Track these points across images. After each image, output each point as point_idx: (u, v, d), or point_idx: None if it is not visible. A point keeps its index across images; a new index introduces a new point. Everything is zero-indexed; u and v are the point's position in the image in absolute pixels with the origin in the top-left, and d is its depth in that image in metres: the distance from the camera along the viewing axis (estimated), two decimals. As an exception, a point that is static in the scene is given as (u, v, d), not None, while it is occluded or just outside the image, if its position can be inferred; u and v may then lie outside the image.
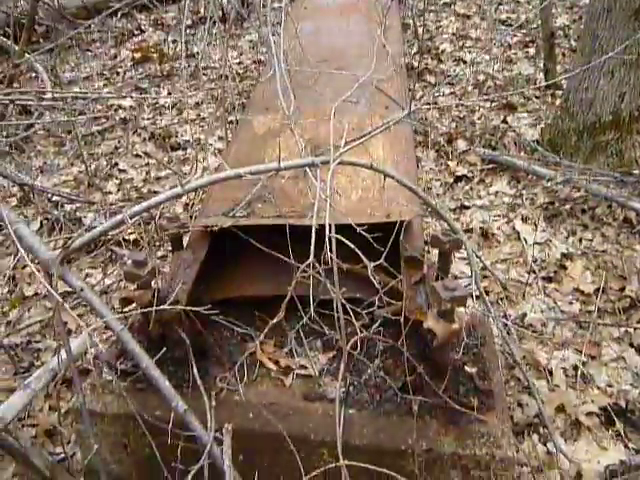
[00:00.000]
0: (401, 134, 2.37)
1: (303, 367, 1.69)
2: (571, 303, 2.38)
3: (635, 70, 3.04)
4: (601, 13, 3.01)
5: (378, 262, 1.29)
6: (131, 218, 1.29)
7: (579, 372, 2.06)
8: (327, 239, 1.18)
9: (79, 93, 3.65)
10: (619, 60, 3.02)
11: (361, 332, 1.39)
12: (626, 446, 1.82)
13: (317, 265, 1.22)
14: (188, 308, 1.37)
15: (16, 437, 1.70)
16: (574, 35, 5.03)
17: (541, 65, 4.33)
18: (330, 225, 1.23)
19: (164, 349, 1.46)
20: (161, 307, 1.26)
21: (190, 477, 1.27)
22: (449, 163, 3.31)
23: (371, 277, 1.23)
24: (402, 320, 1.38)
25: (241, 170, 1.40)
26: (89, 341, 1.22)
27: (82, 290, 1.28)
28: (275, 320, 1.33)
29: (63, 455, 1.80)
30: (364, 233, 1.29)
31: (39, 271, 1.22)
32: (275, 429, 1.48)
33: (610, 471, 1.67)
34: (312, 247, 1.22)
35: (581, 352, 2.13)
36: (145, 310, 1.39)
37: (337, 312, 1.24)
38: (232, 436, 1.45)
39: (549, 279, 2.51)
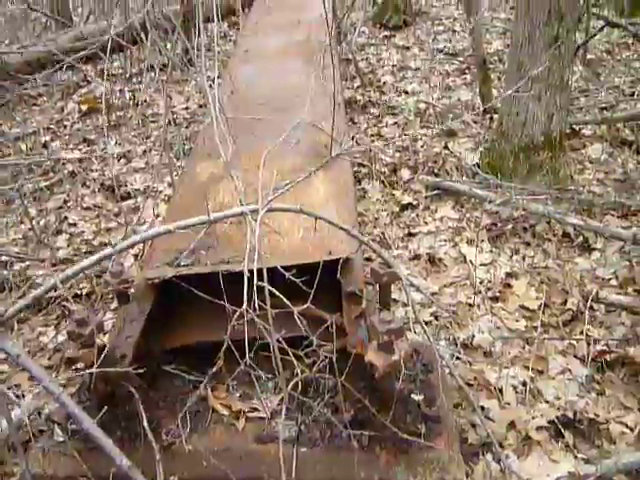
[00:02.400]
0: (340, 169, 2.44)
1: (255, 410, 1.71)
2: (517, 320, 2.46)
3: (560, 93, 3.21)
4: (523, 42, 3.19)
5: (304, 306, 1.33)
6: (62, 282, 1.31)
7: (528, 388, 2.13)
8: (255, 287, 1.22)
9: (16, 159, 3.64)
10: (545, 84, 3.19)
11: (303, 372, 1.43)
12: (575, 457, 1.88)
13: (250, 311, 1.26)
14: (123, 369, 1.37)
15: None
16: (506, 60, 5.27)
17: (477, 90, 4.52)
18: (260, 272, 1.28)
19: (106, 408, 1.46)
20: (104, 369, 1.27)
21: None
22: (395, 192, 3.41)
23: (297, 320, 1.28)
24: (338, 356, 1.42)
25: (171, 226, 1.44)
26: (32, 406, 1.22)
27: (19, 356, 1.28)
28: (215, 368, 1.36)
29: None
30: (292, 277, 1.34)
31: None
32: (228, 476, 1.50)
33: (560, 483, 1.72)
34: (245, 294, 1.26)
35: (529, 368, 2.20)
36: (88, 369, 1.39)
37: (274, 355, 1.27)
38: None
39: (495, 299, 2.59)
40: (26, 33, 7.11)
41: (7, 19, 7.60)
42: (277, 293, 1.26)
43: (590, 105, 4.47)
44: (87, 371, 1.34)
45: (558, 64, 3.12)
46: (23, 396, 2.21)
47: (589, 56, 5.41)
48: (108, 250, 1.39)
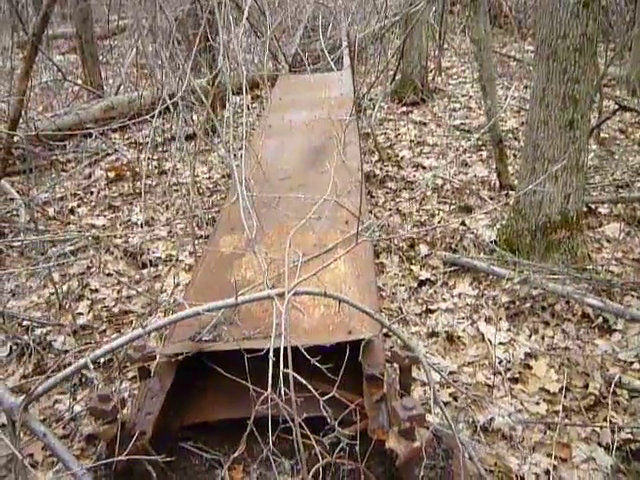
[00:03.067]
0: (361, 247, 2.49)
1: (272, 493, 1.68)
2: (538, 403, 2.42)
3: (576, 174, 3.27)
4: (539, 125, 3.28)
5: (330, 395, 1.34)
6: (93, 362, 1.34)
7: (551, 477, 2.07)
8: (282, 373, 1.24)
9: (54, 236, 3.76)
10: (561, 166, 3.26)
11: (323, 456, 1.42)
12: None
13: (274, 394, 1.27)
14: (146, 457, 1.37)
15: None
16: (522, 138, 5.40)
17: (494, 167, 4.62)
18: (286, 355, 1.29)
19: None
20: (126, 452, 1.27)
21: None
22: (412, 268, 3.44)
23: (322, 409, 1.28)
24: (359, 441, 1.41)
25: (199, 308, 1.47)
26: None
27: (45, 435, 1.29)
28: (237, 453, 1.36)
29: None
30: (315, 362, 1.35)
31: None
32: None
33: None
34: (269, 378, 1.28)
35: (551, 455, 2.14)
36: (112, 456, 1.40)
37: (296, 438, 1.27)
38: None
39: (515, 380, 2.56)
40: (59, 102, 7.43)
41: (42, 88, 7.98)
42: (303, 381, 1.27)
43: (606, 184, 4.53)
44: (113, 459, 1.34)
45: (574, 147, 3.20)
46: (34, 466, 2.20)
47: (603, 135, 5.54)
48: (138, 331, 1.42)
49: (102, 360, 2.76)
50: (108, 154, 5.76)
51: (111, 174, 5.25)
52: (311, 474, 1.35)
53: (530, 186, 3.31)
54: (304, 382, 1.28)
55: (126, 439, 1.55)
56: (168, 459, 1.54)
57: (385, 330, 2.30)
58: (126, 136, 6.17)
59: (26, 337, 2.94)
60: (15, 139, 4.82)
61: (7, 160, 4.45)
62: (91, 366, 1.32)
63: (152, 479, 1.58)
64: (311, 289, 1.55)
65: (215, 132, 4.35)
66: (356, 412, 1.56)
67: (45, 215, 4.46)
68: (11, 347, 2.95)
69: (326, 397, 1.31)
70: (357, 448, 1.49)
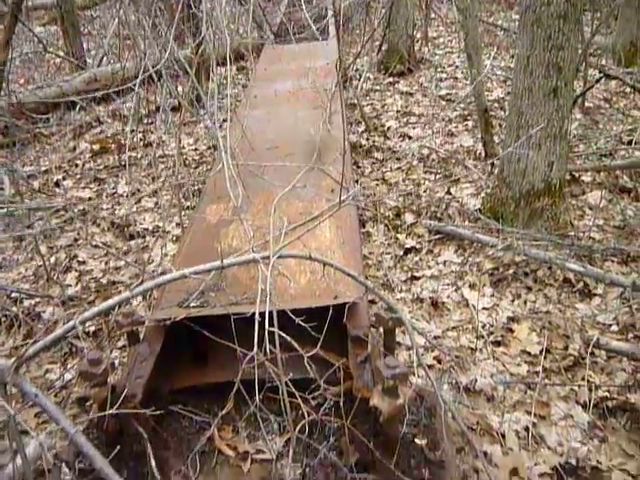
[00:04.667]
0: (346, 214, 2.51)
1: (260, 451, 1.73)
2: (519, 365, 2.48)
3: (559, 142, 3.31)
4: (523, 92, 3.30)
5: (314, 351, 1.37)
6: (81, 324, 1.36)
7: (530, 433, 2.14)
8: (267, 332, 1.27)
9: (33, 205, 3.74)
10: (544, 133, 3.29)
11: (309, 414, 1.46)
12: (578, 504, 1.89)
13: (260, 355, 1.30)
14: (137, 412, 1.41)
15: None
16: (507, 108, 5.41)
17: (479, 136, 4.64)
18: (271, 316, 1.33)
19: (118, 447, 1.49)
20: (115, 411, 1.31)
21: None
22: (398, 236, 3.47)
23: (307, 366, 1.32)
24: (344, 399, 1.46)
25: (186, 271, 1.50)
26: (46, 443, 1.25)
27: (36, 396, 1.33)
28: (224, 411, 1.40)
29: None
30: (302, 323, 1.39)
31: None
32: (234, 517, 1.52)
33: (563, 531, 1.73)
34: (255, 338, 1.31)
35: (531, 413, 2.22)
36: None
37: (282, 398, 1.31)
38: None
39: (497, 343, 2.62)
40: (40, 74, 7.32)
41: (23, 60, 7.84)
42: (288, 338, 1.30)
43: (589, 152, 4.57)
44: (101, 413, 1.37)
45: (557, 115, 3.22)
46: (27, 433, 2.23)
47: (587, 104, 5.56)
48: (125, 294, 1.45)
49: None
50: (92, 126, 5.71)
51: (96, 147, 5.21)
52: (297, 430, 1.39)
53: (513, 153, 3.35)
54: (289, 339, 1.31)
55: (117, 402, 1.59)
56: (158, 413, 1.57)
57: (370, 297, 2.36)
58: (110, 108, 6.10)
59: (15, 309, 2.96)
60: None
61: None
62: (80, 327, 1.34)
63: (143, 440, 1.62)
64: (296, 252, 1.58)
65: (200, 102, 4.32)
66: (341, 371, 1.61)
67: (30, 188, 4.43)
68: (0, 319, 2.96)
69: (310, 353, 1.34)
70: (342, 406, 1.53)
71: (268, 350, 1.27)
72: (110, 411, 1.31)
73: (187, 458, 1.65)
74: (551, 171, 3.35)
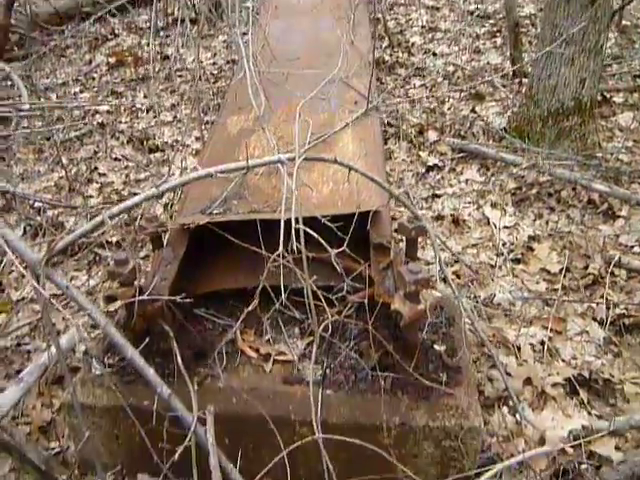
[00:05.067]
0: (369, 128, 2.46)
1: (282, 353, 1.78)
2: (538, 282, 2.49)
3: (594, 57, 3.16)
4: (559, 3, 3.13)
5: (340, 250, 1.38)
6: (110, 219, 1.37)
7: (545, 347, 2.18)
8: (294, 231, 1.27)
9: (56, 103, 3.70)
10: (578, 48, 3.14)
11: (332, 316, 1.49)
12: (589, 413, 1.94)
13: (287, 255, 1.31)
14: (166, 298, 1.44)
15: (11, 433, 1.78)
16: (540, 24, 5.15)
17: (508, 54, 4.45)
18: (297, 217, 1.32)
19: (147, 340, 1.53)
20: (144, 297, 1.34)
21: (178, 456, 1.36)
22: (421, 154, 3.41)
23: (334, 263, 1.33)
24: (369, 303, 1.48)
25: (212, 169, 1.49)
26: (77, 336, 1.30)
27: (67, 288, 1.36)
28: (249, 308, 1.43)
29: (58, 449, 1.88)
30: (328, 223, 1.38)
31: (26, 271, 1.30)
32: (258, 412, 1.58)
33: (573, 435, 1.79)
34: (281, 238, 1.32)
35: (547, 328, 2.24)
36: (130, 300, 1.46)
37: (307, 298, 1.33)
38: (217, 420, 1.55)
39: (517, 261, 2.62)
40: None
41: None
42: (315, 235, 1.30)
43: (623, 72, 4.38)
44: (127, 300, 1.40)
45: (594, 27, 3.06)
46: (59, 333, 2.31)
47: (624, 22, 5.28)
48: (152, 190, 1.45)
49: (114, 240, 2.84)
50: (108, 39, 5.57)
51: (112, 60, 5.10)
52: (321, 330, 1.42)
53: (544, 69, 3.22)
54: (316, 236, 1.31)
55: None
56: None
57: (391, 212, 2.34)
58: (125, 20, 5.92)
59: (39, 218, 3.00)
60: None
61: (6, 37, 4.30)
62: (108, 221, 1.35)
63: (169, 338, 1.67)
64: (322, 155, 1.56)
65: (219, 11, 4.16)
66: (366, 276, 1.62)
67: (48, 101, 4.38)
68: (25, 228, 3.02)
69: (337, 251, 1.34)
70: (365, 310, 1.55)
71: (295, 250, 1.28)
72: (139, 298, 1.33)
73: (211, 356, 1.70)
74: (583, 88, 3.22)
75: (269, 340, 1.83)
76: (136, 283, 1.62)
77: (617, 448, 1.78)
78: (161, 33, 5.36)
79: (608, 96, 4.00)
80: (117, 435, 1.75)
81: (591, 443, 1.77)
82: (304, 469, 1.68)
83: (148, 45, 4.94)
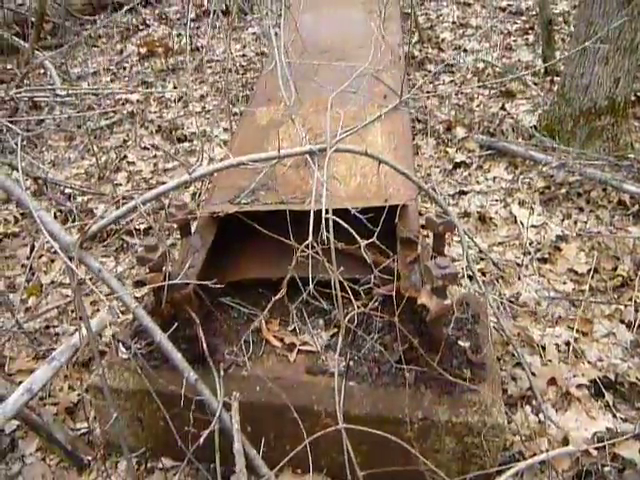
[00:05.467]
0: (399, 122, 2.46)
1: (306, 344, 1.80)
2: (565, 283, 2.46)
3: (629, 56, 3.10)
4: (595, 0, 3.07)
5: (370, 240, 1.38)
6: (143, 204, 1.39)
7: (571, 347, 2.15)
8: (324, 221, 1.28)
9: (90, 89, 3.75)
10: (613, 46, 3.08)
11: (357, 307, 1.49)
12: (614, 416, 1.91)
13: (315, 245, 1.32)
14: (195, 282, 1.46)
15: (39, 413, 1.82)
16: (573, 21, 5.07)
17: (540, 52, 4.39)
18: (327, 209, 1.33)
19: (175, 325, 1.55)
20: (175, 281, 1.36)
21: (202, 441, 1.38)
22: (448, 150, 3.39)
23: (364, 253, 1.33)
24: (395, 297, 1.48)
25: (243, 158, 1.50)
26: (108, 318, 1.32)
27: (100, 271, 1.38)
28: (278, 296, 1.44)
29: (84, 430, 1.92)
30: (358, 214, 1.38)
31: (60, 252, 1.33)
32: (281, 401, 1.60)
33: (597, 437, 1.77)
34: (310, 228, 1.32)
35: (573, 329, 2.22)
36: (158, 286, 1.48)
37: (335, 289, 1.34)
38: (240, 408, 1.57)
39: (544, 260, 2.59)
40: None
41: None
42: (345, 225, 1.31)
43: (658, 72, 4.29)
44: (156, 284, 1.43)
45: (630, 25, 3.00)
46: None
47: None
48: (184, 177, 1.47)
49: (142, 227, 2.88)
50: (139, 29, 5.62)
51: (143, 50, 5.15)
52: (346, 320, 1.42)
53: (577, 68, 3.17)
54: (346, 225, 1.31)
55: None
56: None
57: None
58: (156, 11, 5.98)
59: (69, 204, 3.05)
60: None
61: (41, 26, 4.37)
62: (141, 207, 1.38)
63: (195, 325, 1.69)
64: (352, 147, 1.56)
65: (249, 3, 4.17)
66: (395, 269, 1.62)
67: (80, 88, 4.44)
68: (55, 213, 3.07)
69: (366, 242, 1.35)
70: (392, 302, 1.55)
71: (324, 240, 1.28)
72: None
73: (237, 344, 1.71)
74: (616, 88, 3.17)
75: (294, 330, 1.85)
76: (165, 269, 1.65)
77: (642, 452, 1.76)
78: (192, 24, 5.40)
79: (642, 96, 3.93)
80: (141, 419, 1.78)
81: (615, 446, 1.75)
82: (325, 459, 1.69)
83: (179, 36, 4.98)
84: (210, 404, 1.43)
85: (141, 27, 5.68)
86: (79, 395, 2.06)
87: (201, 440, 1.36)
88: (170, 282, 1.40)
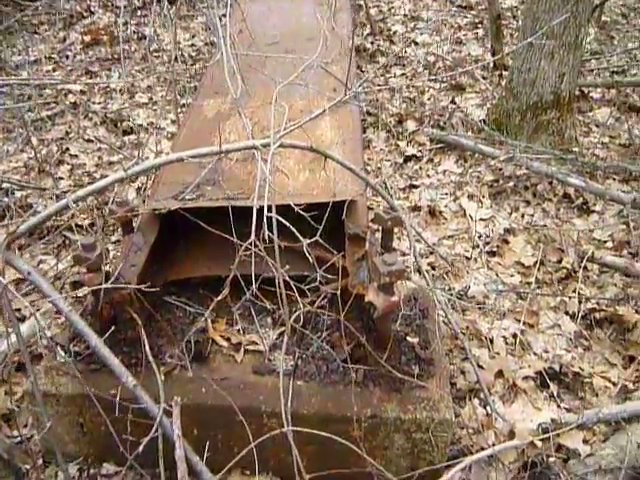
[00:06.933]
0: (348, 115, 2.43)
1: (253, 343, 1.76)
2: (512, 275, 2.50)
3: (573, 51, 3.16)
4: (541, -4, 3.12)
5: (314, 239, 1.35)
6: (75, 202, 1.32)
7: (517, 340, 2.18)
8: (266, 219, 1.24)
9: (25, 79, 3.58)
10: (559, 42, 3.14)
11: (304, 307, 1.46)
12: (559, 406, 1.95)
13: (258, 243, 1.28)
14: (133, 286, 1.40)
15: (-29, 422, 1.73)
16: (521, 16, 5.15)
17: (489, 46, 4.45)
18: (270, 205, 1.29)
19: (112, 329, 1.49)
20: (109, 286, 1.30)
21: (142, 449, 1.33)
22: (399, 143, 3.39)
23: (306, 253, 1.30)
24: (339, 295, 1.46)
25: (183, 154, 1.44)
26: (37, 324, 1.25)
27: (29, 273, 1.31)
28: (220, 297, 1.39)
29: (20, 438, 1.82)
30: (302, 212, 1.35)
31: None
32: (227, 402, 1.55)
33: (542, 428, 1.80)
34: (253, 226, 1.28)
35: (520, 321, 2.25)
36: (95, 287, 1.42)
37: (279, 288, 1.30)
38: (185, 411, 1.52)
39: (492, 253, 2.63)
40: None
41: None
42: (287, 223, 1.27)
43: (601, 68, 4.41)
44: (93, 288, 1.36)
45: (574, 21, 3.06)
46: (23, 320, 2.25)
47: (604, 18, 5.31)
48: (120, 174, 1.40)
49: (85, 223, 2.76)
50: (83, 17, 5.41)
51: (87, 38, 4.96)
52: (292, 321, 1.39)
53: (524, 63, 3.22)
54: (288, 224, 1.28)
55: (111, 289, 1.58)
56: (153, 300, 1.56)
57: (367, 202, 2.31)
58: (102, -3, 5.77)
59: (6, 199, 2.91)
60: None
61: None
62: (72, 205, 1.30)
63: (138, 326, 1.63)
64: (297, 142, 1.52)
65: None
66: (339, 267, 1.59)
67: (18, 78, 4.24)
68: (-9, 209, 2.92)
69: (309, 241, 1.32)
70: (338, 301, 1.52)
71: (266, 239, 1.24)
72: (105, 286, 1.29)
73: (181, 345, 1.66)
74: (562, 83, 3.23)
75: (241, 330, 1.80)
76: (103, 269, 1.58)
77: (585, 441, 1.80)
78: (138, 12, 5.23)
79: (586, 91, 4.03)
80: (82, 424, 1.71)
81: (560, 436, 1.78)
82: (274, 460, 1.66)
83: (125, 24, 4.81)
84: (151, 409, 1.37)
85: (85, 14, 5.46)
86: (17, 401, 1.96)
87: (140, 447, 1.30)
88: (106, 286, 1.32)
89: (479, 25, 5.15)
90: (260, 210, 1.36)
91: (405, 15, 5.41)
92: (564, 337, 2.23)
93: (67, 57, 4.74)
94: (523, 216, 2.88)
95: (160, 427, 1.33)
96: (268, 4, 3.73)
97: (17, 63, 4.57)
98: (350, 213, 1.77)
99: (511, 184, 3.06)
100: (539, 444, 1.72)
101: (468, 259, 2.56)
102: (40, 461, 1.76)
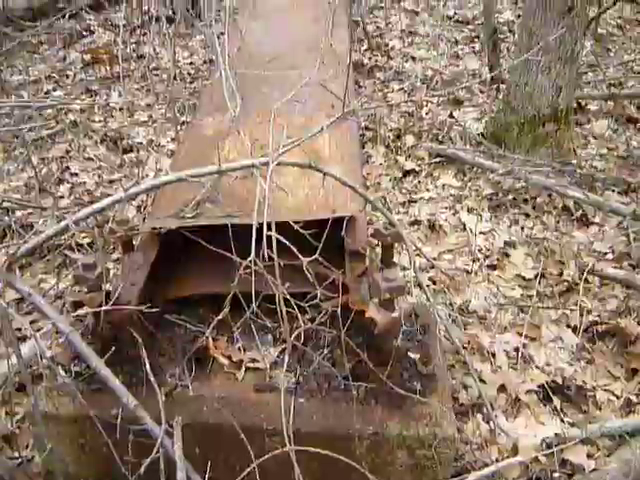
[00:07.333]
0: (347, 131, 2.44)
1: (254, 361, 1.75)
2: (513, 289, 2.50)
3: (570, 65, 3.19)
4: (536, 10, 3.15)
5: (313, 257, 1.35)
6: (75, 224, 1.33)
7: (520, 353, 2.18)
8: (265, 237, 1.24)
9: (25, 101, 3.61)
10: (555, 56, 3.17)
11: (305, 324, 1.46)
12: (562, 420, 1.94)
13: (258, 262, 1.28)
14: (134, 308, 1.40)
15: (-28, 444, 1.72)
16: (517, 30, 5.20)
17: (486, 60, 4.48)
18: (270, 223, 1.29)
19: (113, 349, 1.49)
20: (109, 308, 1.30)
21: (144, 470, 1.32)
22: (398, 158, 3.41)
23: (306, 271, 1.30)
24: (340, 312, 1.46)
25: (183, 173, 1.45)
26: (38, 345, 1.25)
27: (30, 295, 1.31)
28: (220, 315, 1.39)
29: (20, 460, 1.81)
30: (300, 230, 1.35)
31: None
32: (228, 421, 1.55)
33: (546, 443, 1.79)
34: (253, 244, 1.29)
35: (522, 335, 2.25)
36: (96, 309, 1.42)
37: (279, 306, 1.30)
38: (187, 430, 1.51)
39: (493, 267, 2.63)
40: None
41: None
42: (286, 242, 1.27)
43: (598, 80, 4.44)
44: (94, 309, 1.36)
45: (570, 35, 3.09)
46: (24, 340, 2.24)
47: (600, 31, 5.35)
48: (120, 194, 1.41)
49: (85, 241, 2.77)
50: (83, 36, 5.46)
51: (87, 57, 5.00)
52: (292, 338, 1.39)
53: (521, 76, 3.24)
54: (287, 243, 1.28)
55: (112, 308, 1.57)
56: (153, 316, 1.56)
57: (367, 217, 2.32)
58: (101, 17, 5.82)
59: (7, 218, 2.92)
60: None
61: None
62: (73, 226, 1.31)
63: (138, 345, 1.63)
64: (296, 160, 1.53)
65: (196, 9, 4.10)
66: (339, 284, 1.59)
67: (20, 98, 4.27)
68: (-9, 229, 2.93)
69: (309, 259, 1.32)
70: (338, 318, 1.52)
71: (266, 257, 1.25)
72: (105, 308, 1.29)
73: (182, 363, 1.65)
74: (559, 96, 3.25)
75: (241, 348, 1.80)
76: (104, 288, 1.58)
77: (589, 456, 1.79)
78: (138, 31, 5.27)
79: (583, 104, 4.05)
80: (83, 445, 1.70)
81: (563, 451, 1.77)
82: (277, 479, 1.65)
83: (124, 43, 4.85)
84: (152, 430, 1.37)
85: (85, 33, 5.51)
86: (18, 422, 1.95)
87: (142, 469, 1.29)
88: (106, 308, 1.32)
89: (476, 39, 5.19)
90: (260, 228, 1.36)
91: (402, 30, 5.45)
92: (566, 350, 2.22)
93: (67, 76, 4.78)
94: (523, 229, 2.89)
95: (161, 447, 1.32)
96: (266, 22, 3.77)
97: (18, 82, 4.61)
98: (350, 229, 1.78)
99: (510, 197, 3.07)
100: (543, 459, 1.71)
101: (468, 273, 2.56)
102: (40, 483, 1.75)
